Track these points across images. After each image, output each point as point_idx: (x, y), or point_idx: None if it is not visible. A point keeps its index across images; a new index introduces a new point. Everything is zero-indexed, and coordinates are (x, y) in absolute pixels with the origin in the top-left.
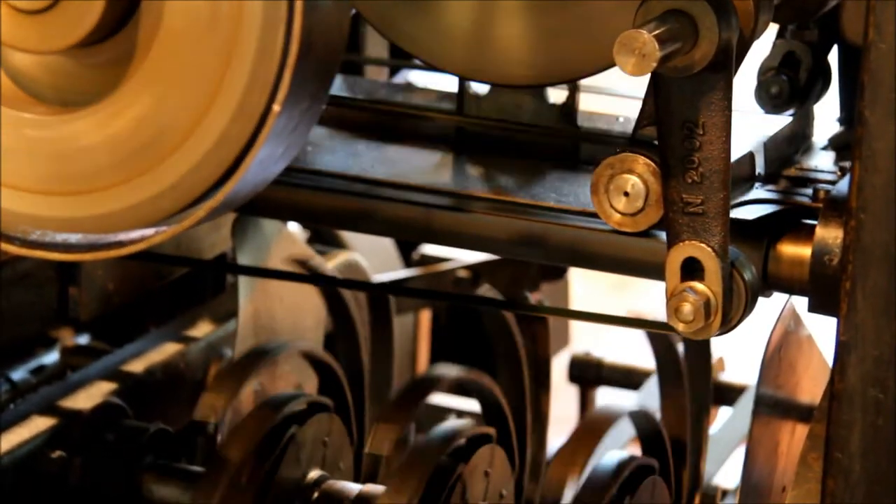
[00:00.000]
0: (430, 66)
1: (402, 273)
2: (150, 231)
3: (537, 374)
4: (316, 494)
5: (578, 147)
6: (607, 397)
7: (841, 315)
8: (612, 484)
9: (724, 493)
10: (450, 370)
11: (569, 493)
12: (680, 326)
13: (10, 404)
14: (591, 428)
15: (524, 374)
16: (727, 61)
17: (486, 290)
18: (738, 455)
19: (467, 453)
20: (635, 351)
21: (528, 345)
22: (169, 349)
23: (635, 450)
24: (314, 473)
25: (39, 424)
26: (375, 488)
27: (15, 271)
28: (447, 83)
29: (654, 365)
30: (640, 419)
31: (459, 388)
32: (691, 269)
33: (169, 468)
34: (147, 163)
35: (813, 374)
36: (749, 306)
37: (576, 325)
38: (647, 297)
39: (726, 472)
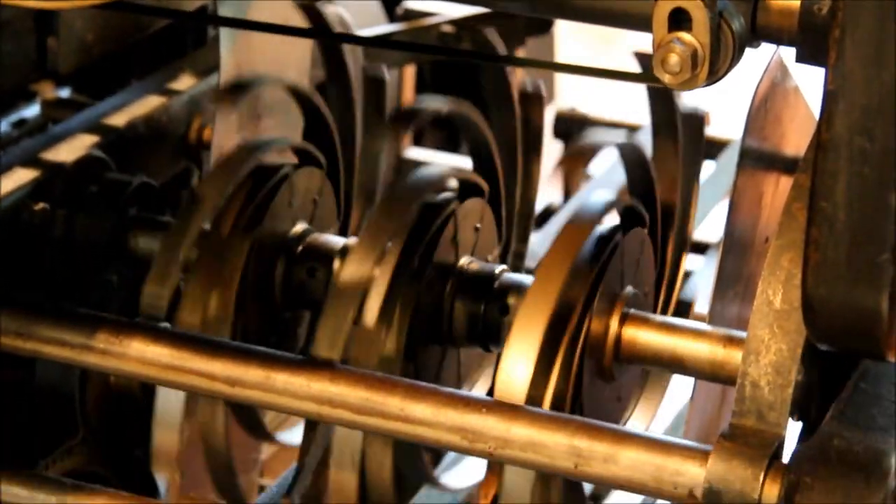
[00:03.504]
0: None
1: (386, 28)
2: None
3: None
4: (300, 248)
5: None
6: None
7: (829, 64)
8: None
9: (707, 247)
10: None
11: None
12: (666, 78)
13: None
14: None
15: (517, 132)
16: None
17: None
18: (722, 209)
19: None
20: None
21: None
22: (151, 102)
23: None
24: (299, 227)
25: (22, 176)
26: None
27: None
28: None
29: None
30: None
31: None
32: (679, 19)
33: (153, 221)
34: None
35: (798, 126)
36: (736, 57)
37: (561, 81)
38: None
39: (709, 225)
